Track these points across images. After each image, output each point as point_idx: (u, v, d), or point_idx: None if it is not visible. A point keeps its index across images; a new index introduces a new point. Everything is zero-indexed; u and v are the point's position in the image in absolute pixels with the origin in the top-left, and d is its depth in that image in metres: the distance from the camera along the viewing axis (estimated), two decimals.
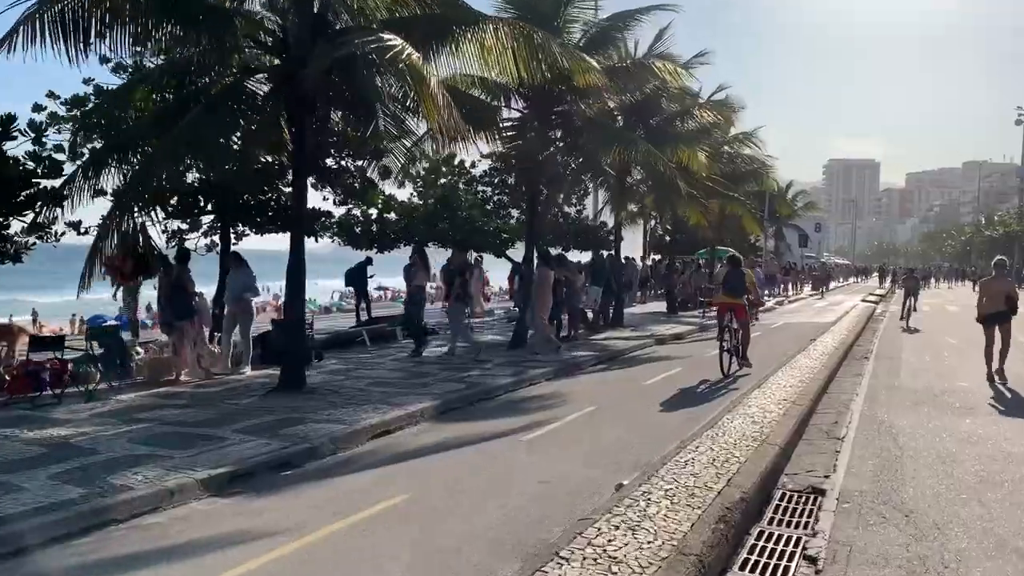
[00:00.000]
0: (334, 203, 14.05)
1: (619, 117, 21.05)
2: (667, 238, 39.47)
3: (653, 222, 35.53)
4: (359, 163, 14.33)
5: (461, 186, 20.81)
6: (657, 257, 38.73)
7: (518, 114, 15.35)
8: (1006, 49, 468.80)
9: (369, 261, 21.53)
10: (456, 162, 21.02)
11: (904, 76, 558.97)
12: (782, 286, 37.49)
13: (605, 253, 21.95)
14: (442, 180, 19.54)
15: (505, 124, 15.03)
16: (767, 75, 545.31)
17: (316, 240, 13.72)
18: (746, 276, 12.85)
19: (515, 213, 23.24)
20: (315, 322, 16.64)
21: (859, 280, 72.61)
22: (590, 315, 20.41)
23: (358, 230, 19.37)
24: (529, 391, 11.33)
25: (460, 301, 14.14)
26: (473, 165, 21.80)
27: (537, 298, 14.47)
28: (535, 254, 14.98)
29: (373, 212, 19.23)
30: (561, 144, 15.97)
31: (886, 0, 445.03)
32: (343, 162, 14.15)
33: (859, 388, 11.87)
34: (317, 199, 14.25)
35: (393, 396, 9.91)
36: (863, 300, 35.65)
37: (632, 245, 35.85)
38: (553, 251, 23.11)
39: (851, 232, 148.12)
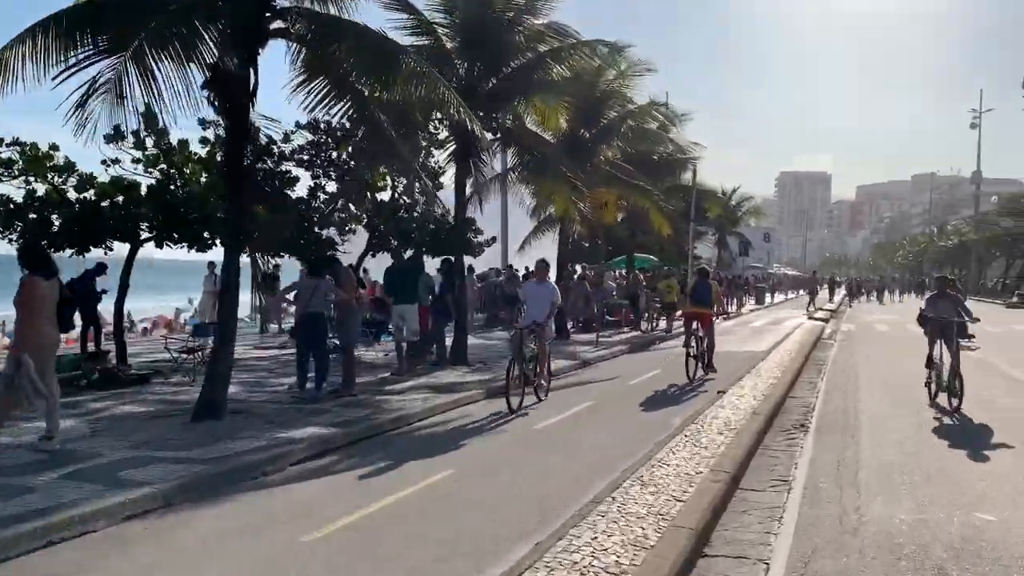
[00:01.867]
0: None
1: (459, 64, 14.73)
2: (584, 244, 33.37)
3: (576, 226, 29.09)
4: None
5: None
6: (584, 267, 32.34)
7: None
8: (950, 62, 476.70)
9: (101, 269, 14.83)
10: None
11: (850, 93, 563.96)
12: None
13: (424, 260, 15.42)
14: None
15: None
16: (719, 97, 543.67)
17: None
18: (712, 288, 13.53)
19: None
20: None
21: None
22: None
23: (57, 221, 12.47)
24: None
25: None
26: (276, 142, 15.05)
27: (20, 325, 7.41)
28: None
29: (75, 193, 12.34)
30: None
31: (826, 16, 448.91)
32: None
33: (773, 551, 5.44)
34: None
35: None
36: (810, 318, 29.97)
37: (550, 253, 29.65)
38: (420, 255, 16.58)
39: (802, 244, 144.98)
